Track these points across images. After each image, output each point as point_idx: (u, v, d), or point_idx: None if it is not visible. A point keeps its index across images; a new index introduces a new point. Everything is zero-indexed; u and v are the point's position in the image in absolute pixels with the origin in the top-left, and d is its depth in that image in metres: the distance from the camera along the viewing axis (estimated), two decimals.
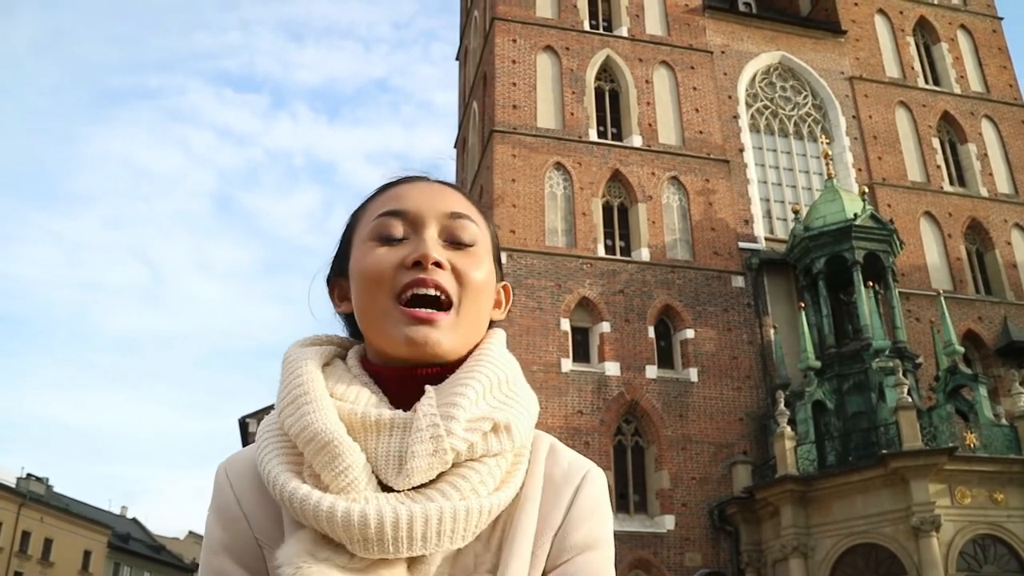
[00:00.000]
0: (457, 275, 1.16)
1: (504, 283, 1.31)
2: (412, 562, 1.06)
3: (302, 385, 1.12)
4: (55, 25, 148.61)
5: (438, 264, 1.15)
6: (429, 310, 1.13)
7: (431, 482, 1.06)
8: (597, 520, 1.18)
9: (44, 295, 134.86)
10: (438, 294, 1.14)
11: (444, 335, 1.13)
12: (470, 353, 1.18)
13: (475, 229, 1.22)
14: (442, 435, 1.05)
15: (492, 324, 1.27)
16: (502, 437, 1.10)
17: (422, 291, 1.13)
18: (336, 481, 1.04)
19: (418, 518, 1.01)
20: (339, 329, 1.32)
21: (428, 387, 1.11)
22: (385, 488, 1.06)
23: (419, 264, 1.14)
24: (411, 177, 1.27)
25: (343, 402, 1.11)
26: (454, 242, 1.19)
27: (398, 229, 1.18)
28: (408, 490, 1.05)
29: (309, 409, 1.08)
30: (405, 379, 1.14)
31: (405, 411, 1.10)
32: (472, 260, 1.19)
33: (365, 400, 1.12)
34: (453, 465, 1.07)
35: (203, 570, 1.14)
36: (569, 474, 1.19)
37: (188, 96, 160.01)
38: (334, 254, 1.30)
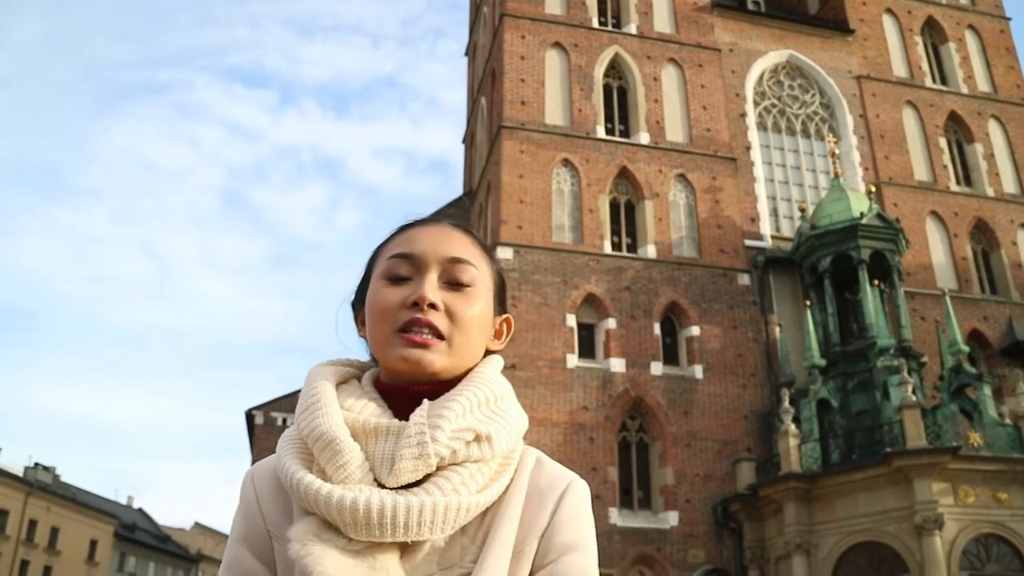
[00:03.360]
0: (450, 314, 1.32)
1: (506, 316, 1.47)
2: (404, 550, 1.21)
3: (315, 395, 1.31)
4: (66, 21, 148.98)
5: (433, 305, 1.31)
6: (424, 336, 1.30)
7: (419, 482, 1.22)
8: (581, 525, 1.32)
9: (53, 288, 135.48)
10: (430, 332, 1.31)
11: (436, 357, 1.30)
12: (466, 375, 1.35)
13: (474, 272, 1.37)
14: (427, 442, 1.21)
15: (490, 353, 1.43)
16: (483, 446, 1.25)
17: (416, 328, 1.30)
18: (337, 474, 1.21)
19: (401, 508, 1.17)
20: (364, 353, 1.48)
21: (425, 400, 1.28)
22: (381, 486, 1.22)
23: (417, 304, 1.31)
24: (425, 221, 1.43)
25: (350, 412, 1.29)
26: (452, 283, 1.35)
27: (404, 270, 1.35)
28: (398, 488, 1.21)
29: (319, 414, 1.27)
30: (407, 395, 1.31)
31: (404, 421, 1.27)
32: (466, 300, 1.35)
33: (369, 411, 1.29)
34: (439, 468, 1.23)
35: (225, 556, 1.34)
36: (554, 482, 1.33)
37: (197, 92, 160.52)
38: (358, 285, 1.47)
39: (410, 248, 1.36)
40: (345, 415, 1.27)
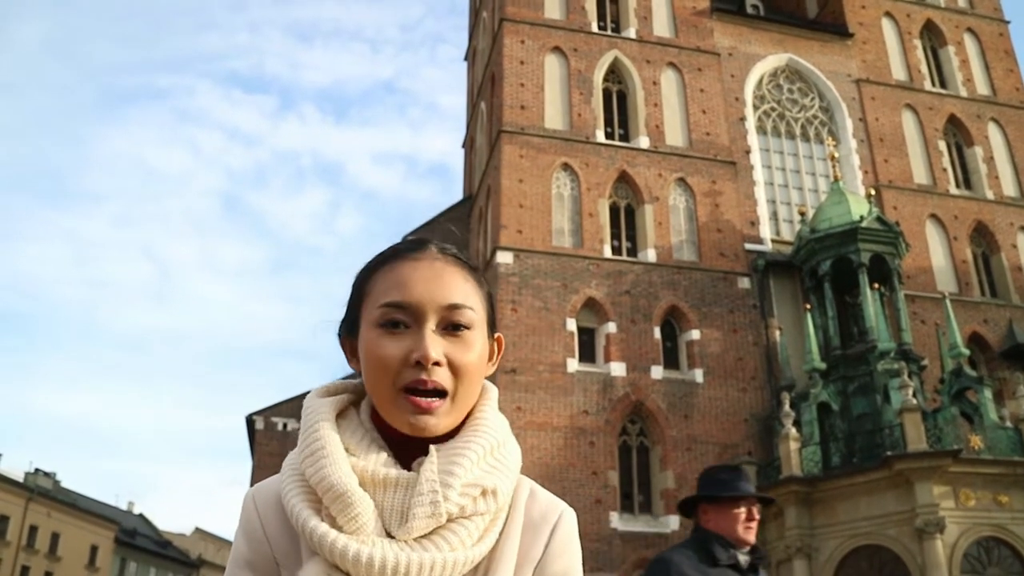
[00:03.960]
0: (452, 366, 1.30)
1: (497, 335, 1.44)
2: None
3: (319, 440, 1.29)
4: (66, 25, 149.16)
5: (436, 363, 1.29)
6: (429, 399, 1.29)
7: (427, 534, 1.24)
8: (571, 554, 1.39)
9: (53, 292, 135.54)
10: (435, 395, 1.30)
11: (441, 420, 1.29)
12: (468, 415, 1.36)
13: (471, 314, 1.34)
14: (440, 501, 1.23)
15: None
16: (489, 500, 1.28)
17: (422, 391, 1.29)
18: (348, 525, 1.22)
19: (414, 564, 1.20)
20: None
21: (432, 448, 1.29)
22: (389, 534, 1.24)
23: (420, 364, 1.28)
24: (412, 252, 1.37)
25: (356, 457, 1.28)
26: (451, 326, 1.32)
27: (400, 316, 1.31)
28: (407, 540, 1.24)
29: (326, 463, 1.26)
30: (410, 440, 1.31)
31: (408, 465, 1.29)
32: (465, 347, 1.32)
33: (375, 458, 1.29)
34: (447, 520, 1.25)
35: None
36: (547, 514, 1.38)
37: (197, 97, 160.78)
38: (344, 316, 1.43)
39: (405, 296, 1.31)
40: (352, 461, 1.27)
